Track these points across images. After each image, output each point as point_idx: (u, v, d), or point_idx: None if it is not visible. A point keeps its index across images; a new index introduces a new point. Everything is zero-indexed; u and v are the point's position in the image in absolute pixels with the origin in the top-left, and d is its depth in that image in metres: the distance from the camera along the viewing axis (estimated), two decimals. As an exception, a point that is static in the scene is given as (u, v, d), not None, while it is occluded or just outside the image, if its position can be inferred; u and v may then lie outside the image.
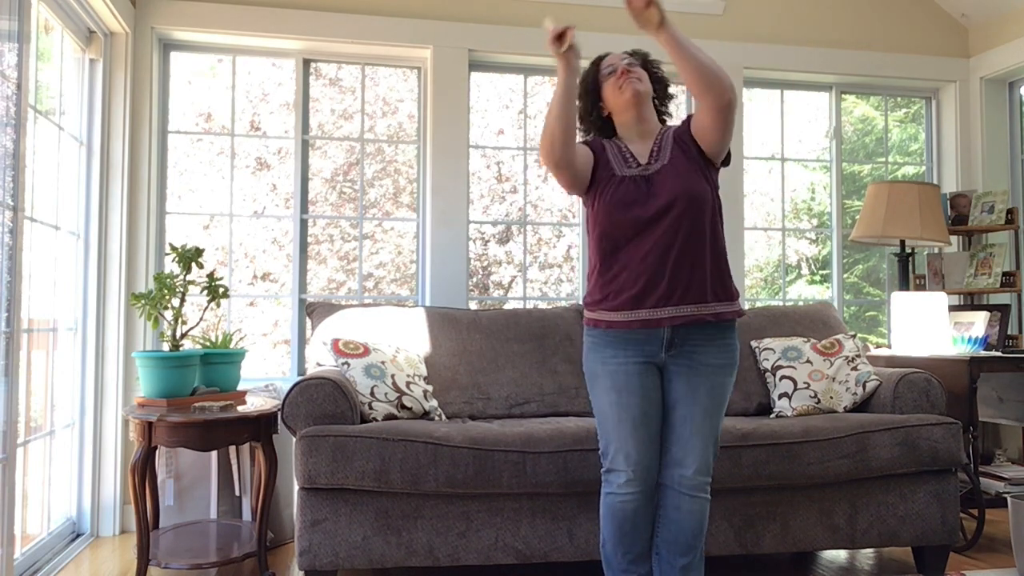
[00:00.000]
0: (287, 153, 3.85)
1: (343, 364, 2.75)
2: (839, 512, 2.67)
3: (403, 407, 2.73)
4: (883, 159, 4.45)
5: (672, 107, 2.35)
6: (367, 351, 2.81)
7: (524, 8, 3.87)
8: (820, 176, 4.56)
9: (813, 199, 4.67)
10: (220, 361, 2.90)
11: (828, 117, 4.33)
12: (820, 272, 4.69)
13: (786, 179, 4.30)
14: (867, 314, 4.51)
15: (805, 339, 3.21)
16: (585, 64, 2.19)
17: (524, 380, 3.09)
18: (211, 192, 3.76)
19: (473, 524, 2.49)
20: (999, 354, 3.26)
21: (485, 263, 4.51)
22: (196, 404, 2.66)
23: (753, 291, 4.59)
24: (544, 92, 4.06)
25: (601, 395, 2.10)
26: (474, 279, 4.39)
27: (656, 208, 2.04)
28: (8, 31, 2.35)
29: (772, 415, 3.01)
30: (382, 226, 4.06)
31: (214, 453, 3.17)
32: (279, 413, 2.67)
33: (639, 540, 2.10)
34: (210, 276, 2.87)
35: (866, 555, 3.09)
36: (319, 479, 2.38)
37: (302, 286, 3.71)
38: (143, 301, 2.74)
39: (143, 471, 2.56)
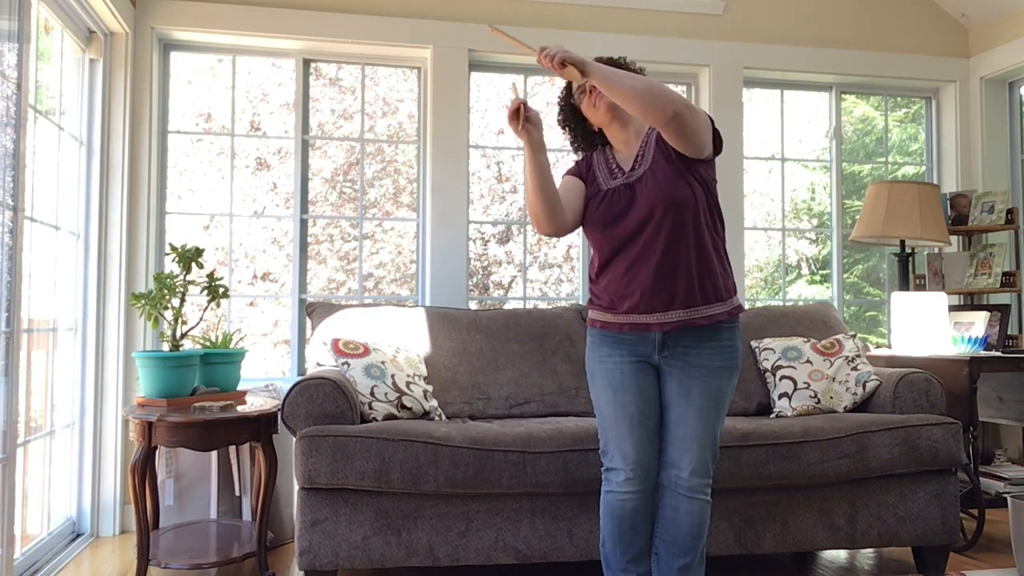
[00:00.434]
0: (287, 153, 3.85)
1: (343, 364, 2.75)
2: (839, 512, 2.67)
3: (403, 407, 2.73)
4: (883, 159, 4.45)
5: None
6: (367, 351, 2.81)
7: (524, 8, 3.87)
8: (820, 176, 4.56)
9: (813, 199, 4.67)
10: (220, 361, 2.90)
11: (828, 117, 4.33)
12: (820, 272, 4.69)
13: (786, 179, 4.30)
14: (867, 314, 4.51)
15: (805, 339, 3.21)
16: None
17: (524, 380, 3.09)
18: (211, 192, 3.76)
19: (473, 524, 2.49)
20: (999, 354, 3.26)
21: (485, 263, 4.51)
22: (196, 404, 2.66)
23: (753, 291, 4.59)
24: (544, 92, 4.06)
25: (599, 393, 2.13)
26: (474, 279, 4.39)
27: (638, 218, 2.04)
28: (8, 31, 2.35)
29: (772, 415, 3.01)
30: (382, 226, 4.06)
31: (214, 453, 3.17)
32: (279, 413, 2.67)
33: (638, 540, 2.10)
34: (210, 276, 2.87)
35: (866, 555, 3.09)
36: (319, 479, 2.38)
37: (302, 286, 3.71)
38: (143, 301, 2.74)
39: (143, 471, 2.56)
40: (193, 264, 2.81)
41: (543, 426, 2.59)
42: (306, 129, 3.77)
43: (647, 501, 2.10)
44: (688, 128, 1.93)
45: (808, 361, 3.08)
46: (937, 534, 2.73)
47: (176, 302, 2.78)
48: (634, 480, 2.08)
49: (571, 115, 2.25)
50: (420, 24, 3.73)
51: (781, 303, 4.34)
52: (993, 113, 4.26)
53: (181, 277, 2.78)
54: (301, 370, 3.69)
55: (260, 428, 2.67)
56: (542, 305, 4.19)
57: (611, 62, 2.14)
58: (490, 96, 4.17)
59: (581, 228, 2.19)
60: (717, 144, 2.10)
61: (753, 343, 3.28)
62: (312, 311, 3.17)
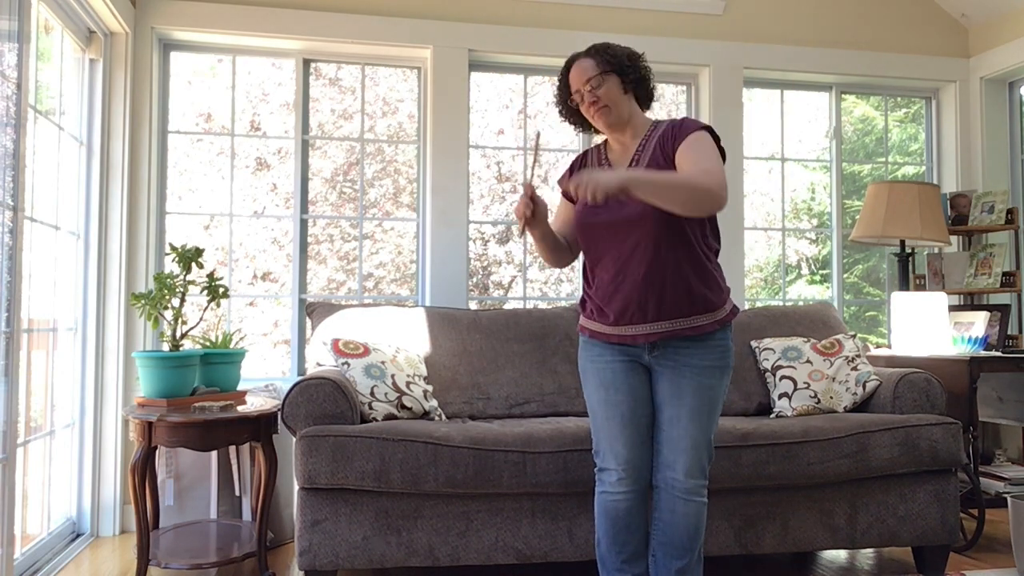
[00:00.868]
0: (287, 153, 3.85)
1: (343, 364, 2.75)
2: (839, 512, 2.67)
3: (403, 407, 2.73)
4: (883, 159, 4.45)
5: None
6: (367, 351, 2.81)
7: (524, 8, 3.87)
8: (820, 176, 4.56)
9: (813, 199, 4.67)
10: (220, 361, 2.90)
11: (828, 117, 4.33)
12: (820, 272, 4.69)
13: (786, 179, 4.30)
14: (867, 314, 4.51)
15: (805, 339, 3.21)
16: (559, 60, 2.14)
17: (524, 380, 3.09)
18: (211, 192, 3.76)
19: (473, 524, 2.49)
20: (999, 354, 3.26)
21: (485, 263, 4.51)
22: (196, 404, 2.66)
23: (753, 291, 4.59)
24: (544, 92, 4.06)
25: (591, 393, 2.13)
26: (474, 279, 4.39)
27: (625, 228, 2.01)
28: (8, 31, 2.35)
29: (772, 415, 3.01)
30: (382, 226, 4.06)
31: (214, 453, 3.17)
32: (279, 413, 2.67)
33: (632, 540, 2.10)
34: (210, 276, 2.87)
35: (866, 555, 3.09)
36: (319, 479, 2.38)
37: (302, 286, 3.71)
38: (143, 301, 2.74)
39: (143, 471, 2.56)
40: (193, 264, 2.81)
41: (543, 426, 2.59)
42: (306, 129, 3.77)
43: (641, 501, 2.10)
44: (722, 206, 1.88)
45: (808, 361, 3.08)
46: (937, 534, 2.73)
47: (176, 302, 2.78)
48: (627, 480, 2.07)
49: (569, 113, 2.22)
50: (420, 24, 3.73)
51: (781, 303, 4.34)
52: (993, 113, 4.26)
53: (181, 277, 2.78)
54: (301, 370, 3.69)
55: (260, 428, 2.67)
56: (542, 305, 4.19)
57: (615, 57, 2.07)
58: (490, 96, 4.17)
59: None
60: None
61: (753, 343, 3.28)
62: (312, 311, 3.17)
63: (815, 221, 4.62)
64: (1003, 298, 4.09)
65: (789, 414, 2.95)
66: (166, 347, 2.86)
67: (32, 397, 2.92)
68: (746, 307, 3.91)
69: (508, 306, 4.20)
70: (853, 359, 3.07)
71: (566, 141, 4.11)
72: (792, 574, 2.86)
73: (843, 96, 4.35)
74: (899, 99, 4.49)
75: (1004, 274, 3.87)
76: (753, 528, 2.62)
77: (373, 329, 3.09)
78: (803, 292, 4.86)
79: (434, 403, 2.86)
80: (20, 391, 2.42)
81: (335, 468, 2.38)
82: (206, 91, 3.80)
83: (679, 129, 2.05)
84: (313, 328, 3.12)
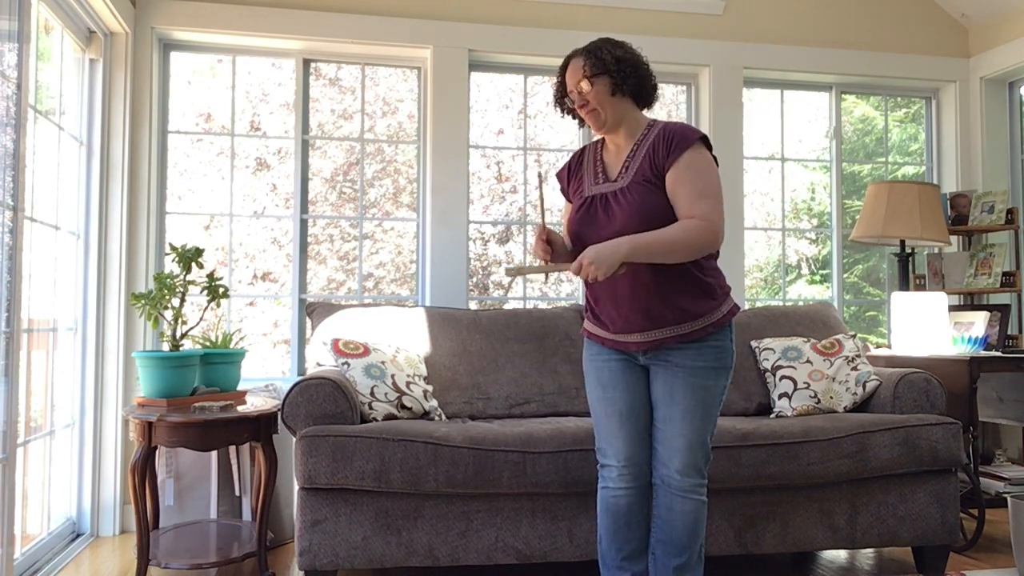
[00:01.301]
0: (287, 153, 3.85)
1: (343, 364, 2.75)
2: (839, 512, 2.67)
3: (403, 407, 2.73)
4: (883, 159, 4.45)
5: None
6: (367, 351, 2.81)
7: (524, 8, 3.87)
8: (820, 176, 4.56)
9: (813, 199, 4.67)
10: (220, 361, 2.90)
11: (828, 117, 4.33)
12: (820, 272, 4.69)
13: (786, 179, 4.30)
14: (867, 314, 4.51)
15: (805, 339, 3.21)
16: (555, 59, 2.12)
17: (524, 380, 3.09)
18: (211, 192, 3.76)
19: (473, 524, 2.49)
20: (999, 354, 3.26)
21: (485, 263, 4.51)
22: (196, 404, 2.66)
23: (753, 291, 4.59)
24: (544, 92, 4.06)
25: (591, 391, 2.17)
26: (474, 279, 4.39)
27: (611, 236, 1.99)
28: (8, 31, 2.35)
29: (772, 415, 3.01)
30: (382, 226, 4.06)
31: (214, 453, 3.17)
32: (279, 413, 2.67)
33: (633, 537, 2.11)
34: (210, 276, 2.87)
35: (866, 555, 3.09)
36: (319, 479, 2.38)
37: (302, 286, 3.71)
38: (143, 301, 2.74)
39: (143, 471, 2.56)
40: (193, 264, 2.81)
41: (543, 426, 2.59)
42: (306, 129, 3.77)
43: (641, 498, 2.11)
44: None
45: (808, 361, 3.08)
46: (937, 534, 2.73)
47: (176, 302, 2.78)
48: (627, 476, 2.09)
49: (568, 111, 2.20)
50: (420, 24, 3.73)
51: (781, 303, 4.34)
52: (993, 113, 4.26)
53: (181, 277, 2.78)
54: (301, 370, 3.69)
55: (260, 428, 2.67)
56: (542, 305, 4.19)
57: (603, 60, 2.03)
58: (490, 96, 4.17)
59: None
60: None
61: (753, 343, 3.28)
62: (312, 311, 3.17)
63: (815, 221, 4.62)
64: (1003, 298, 4.09)
65: (789, 414, 2.95)
66: (166, 347, 2.86)
67: (32, 397, 2.92)
68: (746, 307, 3.91)
69: (508, 306, 4.20)
70: (853, 359, 3.07)
71: (565, 141, 4.11)
72: (792, 574, 2.86)
73: (843, 96, 4.35)
74: (899, 99, 4.49)
75: (1004, 274, 3.87)
76: (753, 528, 2.62)
77: (373, 329, 3.09)
78: (803, 292, 4.87)
79: (434, 403, 2.86)
80: (20, 391, 2.42)
81: (335, 468, 2.38)
82: (206, 91, 3.80)
83: (671, 143, 2.00)
84: (313, 328, 3.12)
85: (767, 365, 3.16)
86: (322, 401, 2.49)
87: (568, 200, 2.24)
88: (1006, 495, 2.99)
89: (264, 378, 3.60)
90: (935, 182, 4.37)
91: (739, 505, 2.62)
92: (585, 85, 2.04)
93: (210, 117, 3.82)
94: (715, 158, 2.07)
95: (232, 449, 3.20)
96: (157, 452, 2.89)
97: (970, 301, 4.13)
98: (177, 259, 2.80)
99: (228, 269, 3.70)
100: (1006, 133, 4.27)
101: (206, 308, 2.87)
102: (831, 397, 2.97)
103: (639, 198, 2.00)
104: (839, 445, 2.62)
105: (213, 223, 3.84)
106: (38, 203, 2.90)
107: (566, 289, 4.48)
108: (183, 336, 2.77)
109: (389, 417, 2.67)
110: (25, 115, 2.39)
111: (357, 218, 3.88)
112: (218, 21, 3.54)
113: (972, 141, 4.28)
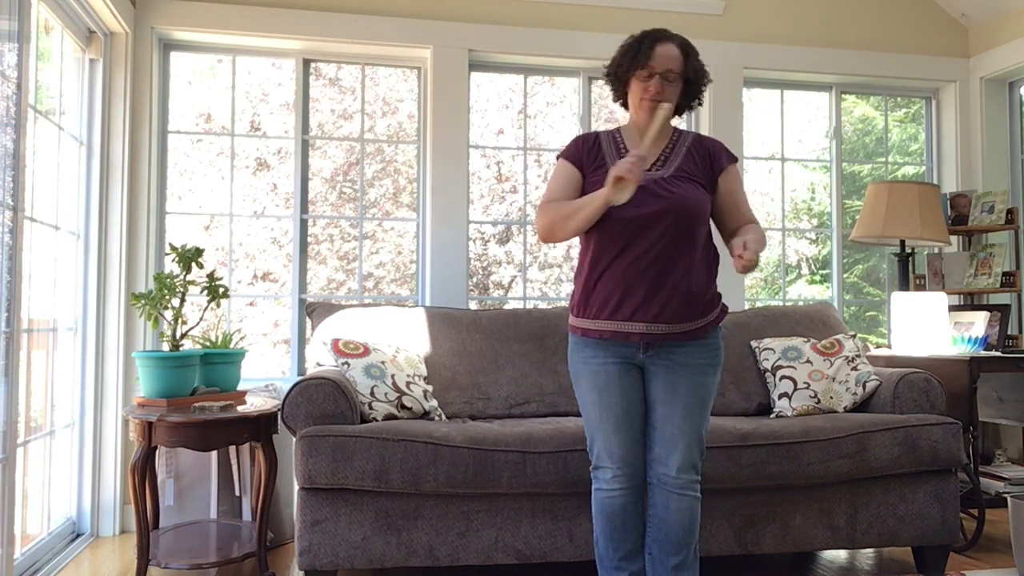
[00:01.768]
0: (287, 153, 3.85)
1: (343, 364, 2.75)
2: (839, 512, 2.67)
3: (403, 407, 2.73)
4: (883, 159, 4.45)
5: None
6: (367, 351, 2.81)
7: (524, 8, 3.87)
8: (820, 176, 4.56)
9: (813, 199, 4.68)
10: (220, 361, 2.90)
11: (828, 117, 4.33)
12: (820, 272, 4.69)
13: (786, 179, 4.30)
14: (867, 314, 4.51)
15: (805, 339, 3.21)
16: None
17: (524, 380, 3.09)
18: (211, 192, 3.76)
19: (473, 524, 2.49)
20: (999, 354, 3.26)
21: (485, 263, 4.52)
22: (196, 404, 2.66)
23: (753, 291, 4.59)
24: (544, 92, 4.06)
25: (584, 394, 2.14)
26: (474, 279, 4.39)
27: (645, 222, 2.01)
28: (8, 31, 2.35)
29: (772, 415, 3.01)
30: (382, 226, 4.06)
31: (214, 453, 3.17)
32: (279, 413, 2.67)
33: (629, 537, 2.11)
34: (210, 276, 2.87)
35: (866, 555, 3.09)
36: (319, 479, 2.38)
37: (302, 286, 3.71)
38: (143, 301, 2.74)
39: (143, 471, 2.56)
40: (193, 264, 2.81)
41: (543, 426, 2.59)
42: (306, 129, 3.77)
43: (636, 498, 2.11)
44: None
45: (808, 361, 3.08)
46: (937, 534, 2.73)
47: (176, 302, 2.78)
48: (621, 477, 2.09)
49: (615, 80, 2.17)
50: (420, 24, 3.73)
51: (781, 303, 4.34)
52: (993, 113, 4.26)
53: (181, 277, 2.78)
54: (301, 370, 3.69)
55: (260, 428, 2.67)
56: (542, 305, 4.19)
57: (697, 71, 2.12)
58: (490, 96, 4.17)
59: None
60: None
61: (753, 343, 3.28)
62: (312, 311, 3.17)
63: (815, 221, 4.62)
64: (1003, 298, 4.09)
65: (789, 414, 2.95)
66: (166, 347, 2.85)
67: (32, 397, 2.92)
68: (746, 307, 3.91)
69: (508, 306, 4.20)
70: (853, 359, 3.07)
71: (565, 141, 4.10)
72: (792, 574, 2.86)
73: (843, 96, 4.35)
74: (899, 99, 4.49)
75: (1004, 274, 3.87)
76: (753, 528, 2.62)
77: (373, 329, 3.09)
78: (803, 292, 4.87)
79: (434, 403, 2.86)
80: (20, 391, 2.42)
81: (335, 468, 2.38)
82: (206, 91, 3.80)
83: (720, 151, 2.19)
84: (313, 328, 3.12)
85: (767, 365, 3.16)
86: (322, 401, 2.49)
87: (580, 171, 2.16)
88: (1006, 495, 2.99)
89: (264, 378, 3.60)
90: (935, 182, 4.37)
91: (739, 505, 2.62)
92: (671, 77, 2.07)
93: (210, 117, 3.82)
94: None
95: (232, 449, 3.20)
96: (157, 452, 2.89)
97: (970, 301, 4.13)
98: (177, 259, 2.80)
99: (228, 269, 3.70)
100: (1006, 133, 4.27)
101: (206, 308, 2.87)
102: (831, 397, 2.97)
103: (690, 189, 2.08)
104: (839, 445, 2.62)
105: (213, 223, 3.84)
106: (38, 203, 2.90)
107: (566, 289, 4.48)
108: (183, 336, 2.77)
109: (389, 417, 2.67)
110: (25, 115, 2.39)
111: (357, 218, 3.88)
112: (218, 21, 3.54)
113: (972, 141, 4.28)
